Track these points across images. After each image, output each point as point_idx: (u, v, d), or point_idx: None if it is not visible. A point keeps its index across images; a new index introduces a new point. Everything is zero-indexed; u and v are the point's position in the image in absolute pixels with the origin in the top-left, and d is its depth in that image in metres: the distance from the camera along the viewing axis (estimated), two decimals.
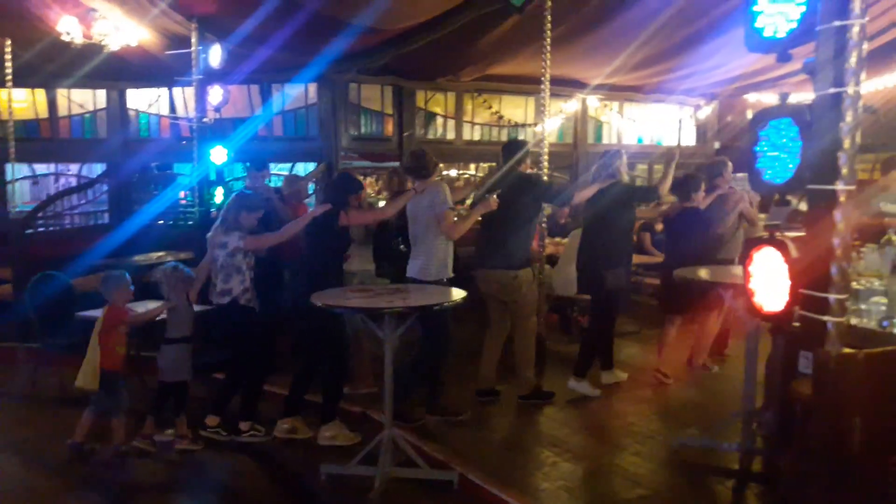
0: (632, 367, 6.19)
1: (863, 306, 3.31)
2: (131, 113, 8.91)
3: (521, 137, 9.83)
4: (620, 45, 7.95)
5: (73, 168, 9.78)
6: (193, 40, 6.45)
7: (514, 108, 9.82)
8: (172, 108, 8.77)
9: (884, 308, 3.25)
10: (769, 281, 2.59)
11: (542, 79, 6.64)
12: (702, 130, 11.66)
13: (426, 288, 4.67)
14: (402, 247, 5.89)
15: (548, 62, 6.62)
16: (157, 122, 8.96)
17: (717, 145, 11.69)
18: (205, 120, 6.43)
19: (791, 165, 2.28)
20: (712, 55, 8.70)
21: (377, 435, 4.18)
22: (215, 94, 6.39)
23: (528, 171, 5.57)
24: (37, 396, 5.74)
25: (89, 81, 8.45)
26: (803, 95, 10.36)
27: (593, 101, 10.35)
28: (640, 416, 5.15)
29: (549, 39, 6.54)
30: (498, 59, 8.13)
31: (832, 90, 2.48)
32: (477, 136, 9.56)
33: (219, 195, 6.39)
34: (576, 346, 5.95)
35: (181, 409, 4.74)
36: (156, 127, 8.98)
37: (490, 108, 9.52)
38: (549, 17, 6.47)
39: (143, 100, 8.97)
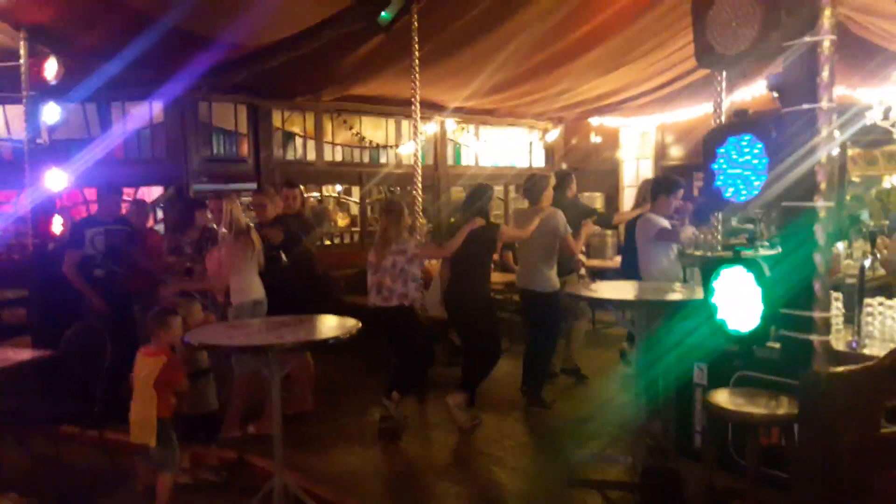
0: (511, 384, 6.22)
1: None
2: None
3: (381, 159, 9.74)
4: (478, 69, 8.08)
5: None
6: (23, 52, 5.70)
7: (374, 129, 9.69)
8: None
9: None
10: (737, 300, 2.56)
11: (413, 99, 6.61)
12: (550, 153, 12.16)
13: (312, 318, 4.37)
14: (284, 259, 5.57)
15: (417, 82, 6.59)
16: None
17: (564, 167, 12.25)
18: (39, 141, 5.68)
19: (757, 182, 2.28)
20: (560, 81, 9.16)
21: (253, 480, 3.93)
22: (51, 112, 5.66)
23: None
24: None
25: None
26: (643, 119, 11.22)
27: (451, 124, 10.46)
28: (532, 435, 5.16)
29: (417, 59, 6.51)
30: (361, 79, 7.97)
31: (805, 106, 2.42)
32: (339, 157, 9.31)
33: (56, 225, 5.65)
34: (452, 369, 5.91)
35: (212, 440, 4.68)
36: None
37: (351, 128, 9.32)
38: (416, 38, 6.45)
39: None
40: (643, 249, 5.42)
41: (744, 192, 2.31)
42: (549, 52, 7.86)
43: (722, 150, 2.37)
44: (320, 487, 4.18)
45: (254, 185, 7.95)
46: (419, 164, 6.45)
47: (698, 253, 5.09)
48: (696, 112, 10.48)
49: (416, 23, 6.38)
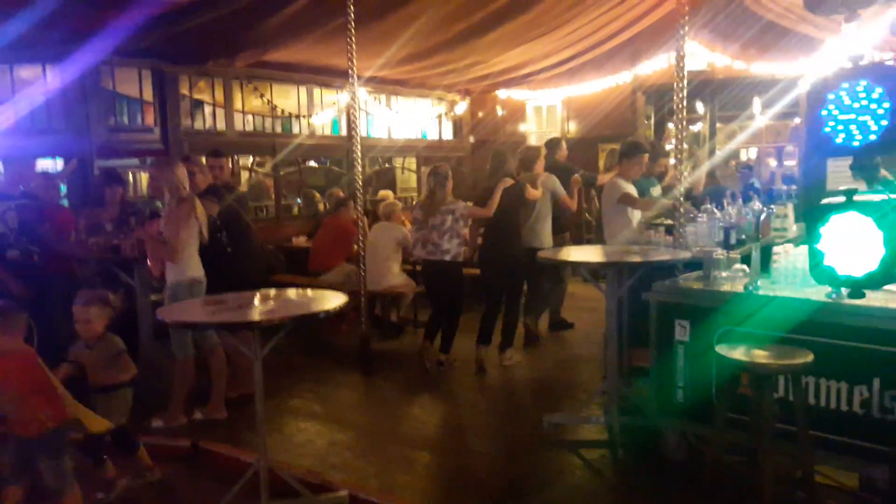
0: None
1: None
2: None
3: (294, 129, 9.33)
4: (393, 38, 7.89)
5: None
6: None
7: (285, 98, 9.26)
8: None
9: None
10: (849, 246, 2.57)
11: (350, 65, 6.34)
12: (458, 125, 12.15)
13: (286, 291, 4.11)
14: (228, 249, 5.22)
15: (353, 47, 6.31)
16: None
17: (471, 139, 12.30)
18: None
19: (875, 127, 2.31)
20: (471, 53, 9.14)
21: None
22: None
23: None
24: None
25: None
26: (549, 92, 11.42)
27: (362, 94, 10.18)
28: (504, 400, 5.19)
29: (352, 22, 6.23)
30: (280, 44, 7.55)
31: None
32: (249, 128, 8.82)
33: None
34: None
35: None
36: None
37: (262, 95, 8.85)
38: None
39: None
40: (608, 214, 5.53)
41: (858, 137, 2.37)
42: (463, 23, 7.81)
43: (832, 97, 2.41)
44: (298, 469, 3.97)
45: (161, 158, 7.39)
46: (357, 134, 6.25)
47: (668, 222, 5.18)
48: (601, 86, 10.81)
49: None
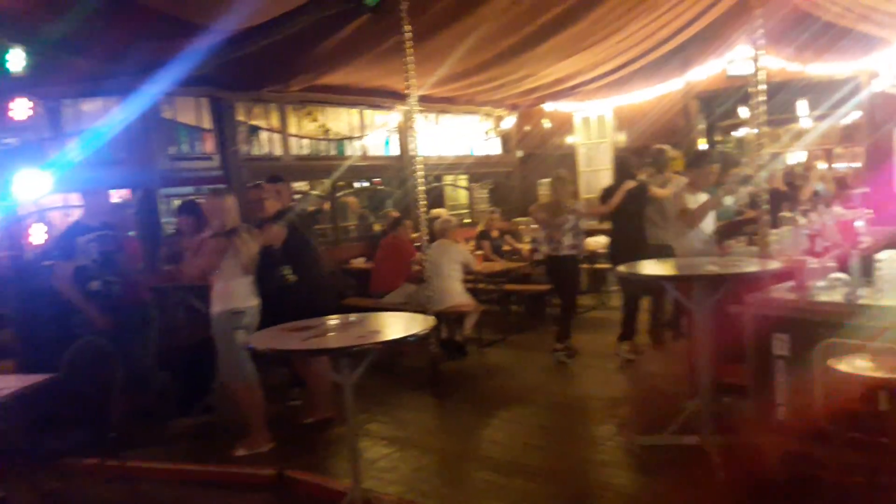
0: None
1: None
2: None
3: (347, 151, 9.37)
4: (445, 56, 7.89)
5: None
6: None
7: (337, 121, 9.32)
8: None
9: None
10: None
11: (407, 84, 6.35)
12: (505, 140, 12.10)
13: (370, 317, 4.07)
14: (291, 276, 5.23)
15: (410, 66, 6.32)
16: None
17: (519, 153, 12.24)
18: (8, 141, 5.04)
19: None
20: (520, 67, 9.10)
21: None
22: (20, 108, 5.02)
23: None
24: None
25: None
26: (597, 102, 11.32)
27: (410, 113, 10.19)
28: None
29: (408, 42, 6.24)
30: (334, 67, 7.60)
31: None
32: (305, 151, 8.89)
33: (39, 234, 5.03)
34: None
35: None
36: None
37: (315, 120, 8.91)
38: (405, 18, 6.18)
39: None
40: (676, 224, 5.40)
41: None
42: (514, 37, 7.78)
43: None
44: (388, 496, 3.91)
45: (220, 185, 7.47)
46: (416, 152, 6.27)
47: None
48: (651, 94, 10.67)
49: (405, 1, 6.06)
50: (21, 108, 5.10)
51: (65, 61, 5.86)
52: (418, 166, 6.42)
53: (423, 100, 9.73)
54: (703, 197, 5.32)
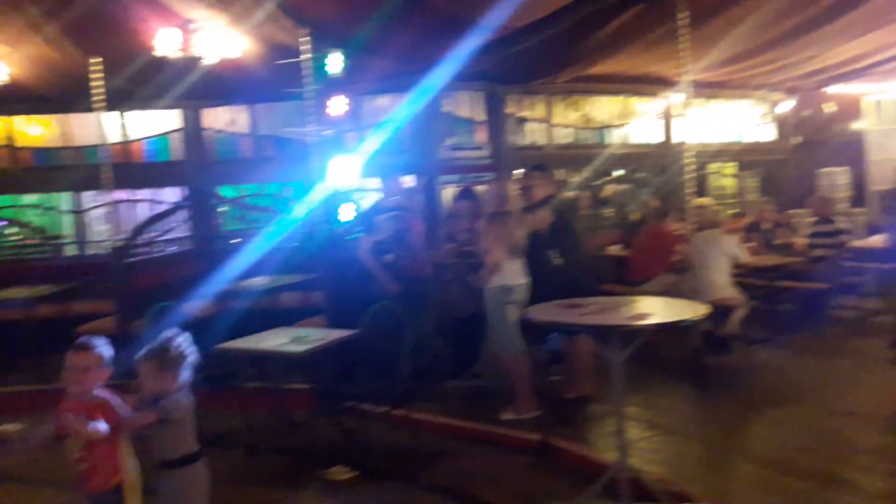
0: None
1: None
2: (209, 133, 8.48)
3: (608, 139, 9.45)
4: (718, 39, 7.56)
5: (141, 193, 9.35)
6: (306, 47, 6.02)
7: (599, 109, 9.42)
8: (254, 126, 8.39)
9: None
10: None
11: (678, 72, 6.28)
12: (781, 126, 11.24)
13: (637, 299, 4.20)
14: (556, 259, 5.48)
15: (683, 53, 6.24)
16: (235, 141, 8.56)
17: (795, 140, 11.29)
18: (325, 133, 5.99)
19: None
20: (804, 48, 8.38)
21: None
22: (337, 104, 5.94)
23: None
24: None
25: (163, 102, 8.03)
26: (890, 85, 10.05)
27: (680, 99, 9.93)
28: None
29: (683, 28, 6.16)
30: (605, 57, 7.73)
31: None
32: (567, 140, 9.14)
33: (348, 212, 5.92)
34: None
35: None
36: (234, 147, 8.59)
37: (578, 110, 9.12)
38: (682, 2, 6.09)
39: (219, 119, 8.59)
40: None
41: None
42: (798, 17, 7.21)
43: None
44: (649, 475, 3.99)
45: (490, 174, 8.02)
46: (682, 140, 6.16)
47: None
48: None
49: None
50: (337, 105, 5.98)
51: (366, 62, 6.72)
52: (686, 153, 6.30)
53: (693, 85, 9.47)
54: None
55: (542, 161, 6.70)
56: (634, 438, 4.63)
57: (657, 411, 5.19)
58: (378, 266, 5.57)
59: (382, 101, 8.11)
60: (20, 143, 8.58)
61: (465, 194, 6.07)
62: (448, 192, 7.50)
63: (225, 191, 8.80)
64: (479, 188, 6.95)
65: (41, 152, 8.59)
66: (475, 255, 5.74)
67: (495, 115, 8.42)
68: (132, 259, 6.90)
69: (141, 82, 7.06)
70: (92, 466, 2.88)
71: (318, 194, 5.91)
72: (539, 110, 8.88)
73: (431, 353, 5.92)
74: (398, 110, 7.47)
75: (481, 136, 8.51)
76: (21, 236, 9.25)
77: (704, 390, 5.65)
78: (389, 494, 4.26)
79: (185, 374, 3.00)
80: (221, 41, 6.44)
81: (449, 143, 8.19)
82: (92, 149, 8.40)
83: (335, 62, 5.92)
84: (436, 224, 6.80)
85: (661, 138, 9.88)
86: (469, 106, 8.52)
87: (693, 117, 10.28)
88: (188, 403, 2.99)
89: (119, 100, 7.55)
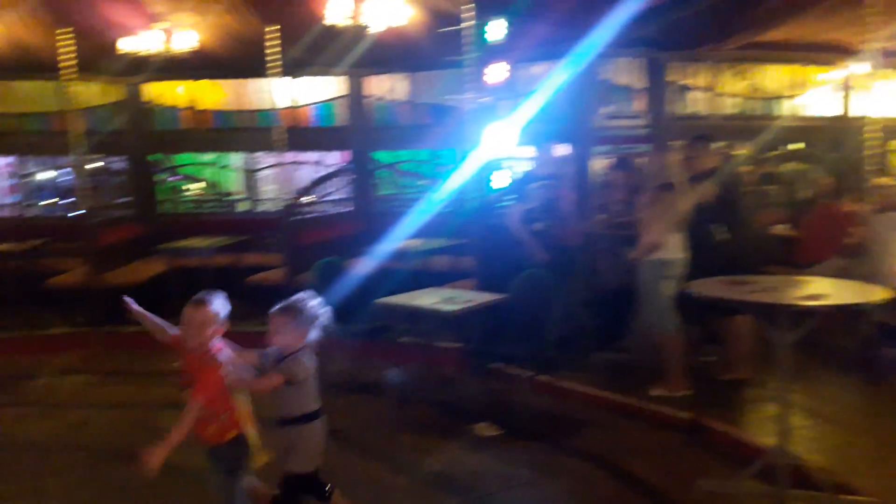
0: None
1: None
2: (369, 100, 8.83)
3: (777, 111, 8.84)
4: None
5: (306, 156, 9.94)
6: (469, 14, 6.08)
7: (769, 79, 8.82)
8: (413, 94, 8.65)
9: None
10: None
11: (863, 39, 5.74)
12: None
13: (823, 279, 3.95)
14: (722, 234, 5.27)
15: (872, 18, 5.70)
16: (393, 109, 8.89)
17: None
18: (483, 100, 6.07)
19: None
20: None
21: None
22: (497, 71, 5.99)
23: None
24: (332, 384, 5.55)
25: (331, 69, 8.42)
26: None
27: (863, 69, 9.08)
28: None
29: None
30: (780, 22, 7.21)
31: None
32: (732, 111, 8.65)
33: (499, 180, 5.99)
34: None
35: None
36: (392, 114, 8.91)
37: (745, 79, 8.59)
38: None
39: (379, 87, 8.92)
40: None
41: None
42: None
43: None
44: (808, 463, 3.80)
45: (647, 145, 7.75)
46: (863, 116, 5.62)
47: None
48: None
49: None
50: (497, 72, 6.02)
51: (526, 28, 6.67)
52: (868, 128, 5.79)
53: (881, 54, 8.62)
54: None
55: (705, 132, 6.40)
56: (795, 425, 4.42)
57: (821, 400, 4.88)
58: (528, 234, 5.60)
59: (537, 68, 8.03)
60: (201, 105, 9.36)
61: (622, 164, 5.94)
62: (601, 163, 7.34)
63: (380, 156, 9.15)
64: (636, 159, 6.76)
65: (219, 115, 9.32)
66: (629, 226, 5.63)
67: (656, 82, 8.10)
68: (299, 216, 7.39)
69: (311, 50, 7.44)
70: (208, 417, 2.95)
71: (472, 161, 6.00)
72: (703, 78, 8.45)
73: (578, 323, 5.91)
74: (553, 78, 7.38)
75: (639, 104, 8.24)
76: (198, 191, 10.17)
77: (875, 382, 5.23)
78: (536, 454, 4.34)
79: (313, 335, 3.04)
80: (389, 9, 6.64)
81: (604, 111, 8.00)
82: (263, 113, 9.01)
83: (496, 29, 5.94)
84: (588, 194, 6.69)
85: (837, 111, 9.09)
86: (627, 73, 8.26)
87: (878, 89, 9.44)
88: (311, 365, 3.01)
89: (292, 66, 8.01)
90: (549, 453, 4.38)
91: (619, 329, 5.96)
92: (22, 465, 4.36)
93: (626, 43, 7.74)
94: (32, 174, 10.35)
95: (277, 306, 3.05)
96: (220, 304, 3.03)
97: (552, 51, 7.61)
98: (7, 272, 7.52)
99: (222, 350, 3.01)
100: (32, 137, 9.07)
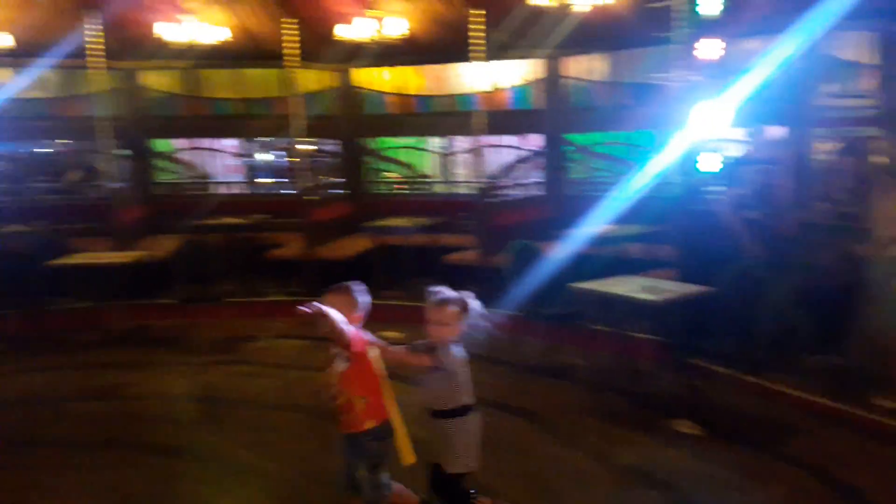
0: None
1: None
2: (565, 82, 8.71)
3: None
4: None
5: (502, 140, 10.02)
6: None
7: None
8: (613, 74, 8.42)
9: None
10: None
11: None
12: None
13: None
14: None
15: None
16: (589, 90, 8.71)
17: None
18: (693, 78, 5.75)
19: None
20: None
21: None
22: (709, 47, 5.63)
23: None
24: (526, 366, 5.65)
25: (533, 51, 8.38)
26: None
27: None
28: None
29: None
30: None
31: None
32: None
33: (707, 163, 5.64)
34: None
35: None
36: (588, 95, 8.74)
37: None
38: None
39: (576, 68, 8.76)
40: None
41: None
42: None
43: None
44: None
45: (877, 127, 6.90)
46: None
47: None
48: None
49: None
50: (710, 49, 5.67)
51: (744, 1, 6.20)
52: None
53: None
54: None
55: None
56: None
57: None
58: (740, 223, 5.26)
59: (751, 44, 7.44)
60: (406, 90, 9.77)
61: (851, 149, 5.38)
62: (824, 146, 6.66)
63: (576, 139, 9.02)
64: (866, 143, 6.08)
65: (422, 99, 9.68)
66: (855, 218, 5.11)
67: (891, 57, 7.18)
68: (494, 199, 7.51)
69: (514, 33, 7.47)
70: (347, 402, 2.93)
71: (676, 144, 5.72)
72: None
73: (791, 322, 5.49)
74: (772, 54, 6.81)
75: (868, 82, 7.36)
76: (397, 174, 10.67)
77: None
78: (739, 457, 4.12)
79: (465, 330, 3.00)
80: None
81: (827, 90, 7.25)
82: (462, 97, 9.23)
83: (710, 3, 5.57)
84: (807, 181, 6.13)
85: None
86: (854, 47, 7.41)
87: None
88: (463, 358, 2.98)
89: (494, 50, 8.10)
90: (754, 457, 4.14)
91: (837, 331, 5.45)
92: (241, 419, 4.86)
93: (858, 14, 6.94)
94: (251, 155, 11.45)
95: (435, 297, 3.01)
96: (360, 293, 3.06)
97: (773, 24, 7.04)
98: (234, 242, 8.38)
99: (368, 337, 3.04)
100: (256, 121, 9.99)
